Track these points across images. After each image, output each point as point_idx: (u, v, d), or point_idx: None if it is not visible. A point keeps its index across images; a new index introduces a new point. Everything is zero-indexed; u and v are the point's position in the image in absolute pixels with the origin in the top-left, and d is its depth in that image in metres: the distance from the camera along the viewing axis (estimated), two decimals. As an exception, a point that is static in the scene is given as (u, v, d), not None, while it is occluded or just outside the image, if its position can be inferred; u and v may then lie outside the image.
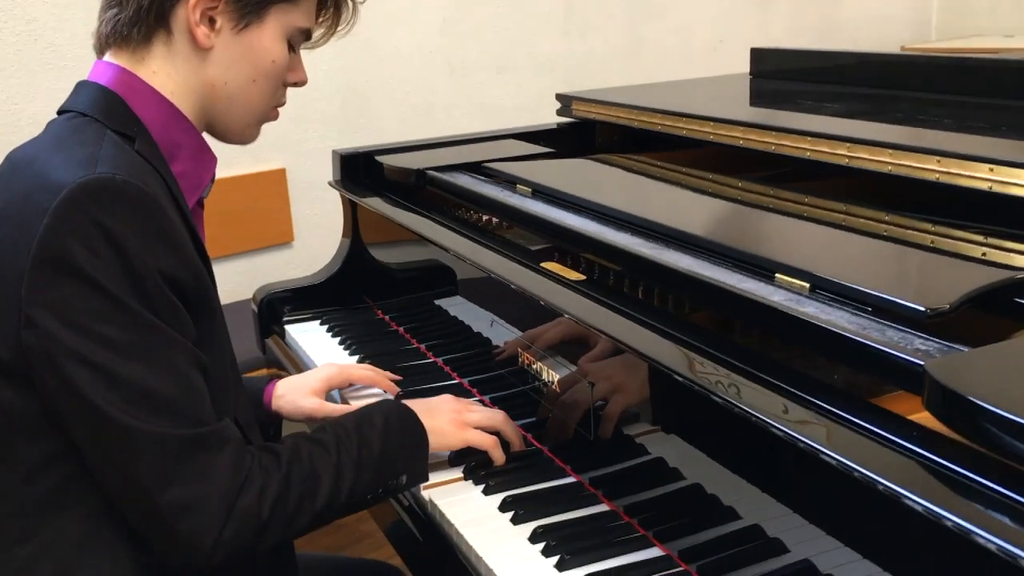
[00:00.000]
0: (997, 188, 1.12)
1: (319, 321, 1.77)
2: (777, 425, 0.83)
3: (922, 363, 0.77)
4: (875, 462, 0.76)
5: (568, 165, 1.67)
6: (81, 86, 1.06)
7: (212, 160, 1.12)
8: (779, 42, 3.99)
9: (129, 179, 0.93)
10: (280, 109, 1.14)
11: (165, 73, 1.05)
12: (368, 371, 1.40)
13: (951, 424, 0.73)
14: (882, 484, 0.73)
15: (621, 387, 1.13)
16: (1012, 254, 1.10)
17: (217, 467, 0.95)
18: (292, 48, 1.11)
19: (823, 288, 0.96)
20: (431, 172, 1.66)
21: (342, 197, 1.86)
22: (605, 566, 1.01)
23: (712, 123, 1.59)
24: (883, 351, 0.81)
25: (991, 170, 1.13)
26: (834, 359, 0.89)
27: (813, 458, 0.80)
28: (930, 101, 1.58)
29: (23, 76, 2.40)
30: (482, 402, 1.41)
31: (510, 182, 1.55)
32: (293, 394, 1.32)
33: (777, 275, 1.01)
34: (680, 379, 0.95)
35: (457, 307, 1.62)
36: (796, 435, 0.81)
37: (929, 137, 1.32)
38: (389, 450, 1.10)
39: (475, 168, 1.66)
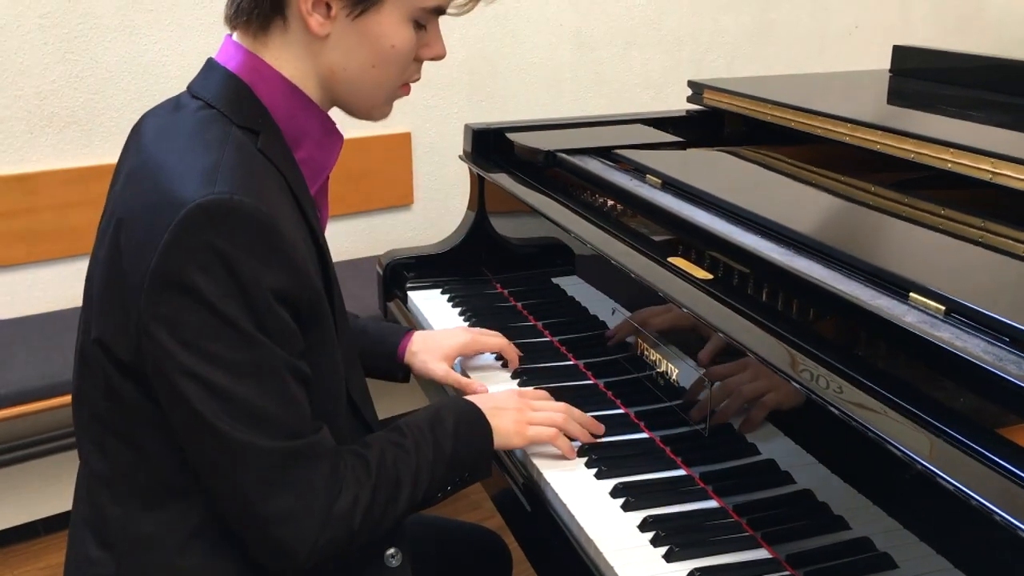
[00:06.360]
0: None
1: (440, 290, 1.83)
2: (898, 445, 0.84)
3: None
4: (998, 493, 0.76)
5: (698, 156, 1.67)
6: (210, 69, 1.07)
7: (338, 141, 1.12)
8: (918, 31, 3.86)
9: (245, 198, 0.94)
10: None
11: (285, 59, 1.05)
12: (497, 338, 1.45)
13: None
14: (1000, 516, 0.74)
15: (740, 388, 1.14)
16: None
17: (315, 478, 1.00)
18: (422, 26, 1.07)
19: (959, 313, 0.96)
20: (560, 154, 1.68)
21: (470, 171, 1.90)
22: (712, 562, 1.04)
23: (848, 124, 1.57)
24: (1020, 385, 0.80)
25: None
26: (964, 386, 0.90)
27: (930, 480, 0.81)
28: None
29: (175, 31, 2.50)
30: (596, 386, 1.44)
31: (640, 171, 1.56)
32: (426, 354, 1.39)
33: (912, 294, 1.01)
34: (802, 389, 0.96)
35: (574, 287, 1.65)
36: (916, 457, 0.82)
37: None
38: (459, 450, 1.14)
39: (604, 153, 1.68)
